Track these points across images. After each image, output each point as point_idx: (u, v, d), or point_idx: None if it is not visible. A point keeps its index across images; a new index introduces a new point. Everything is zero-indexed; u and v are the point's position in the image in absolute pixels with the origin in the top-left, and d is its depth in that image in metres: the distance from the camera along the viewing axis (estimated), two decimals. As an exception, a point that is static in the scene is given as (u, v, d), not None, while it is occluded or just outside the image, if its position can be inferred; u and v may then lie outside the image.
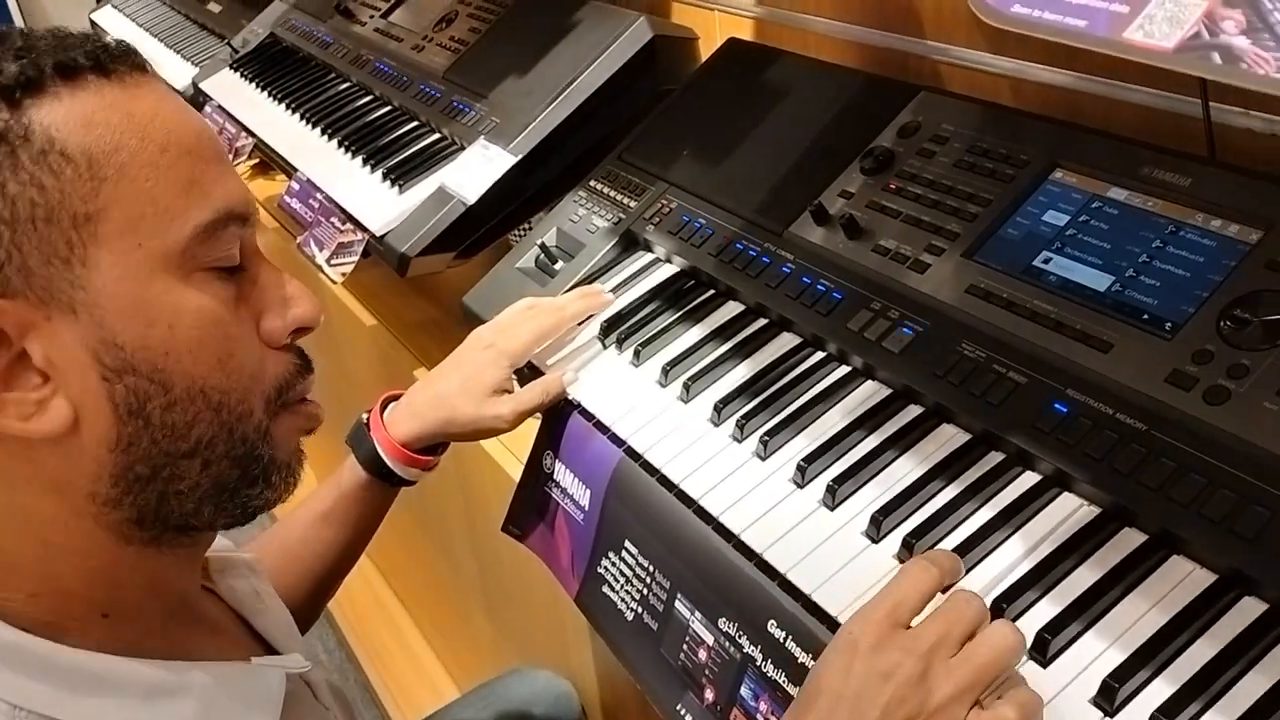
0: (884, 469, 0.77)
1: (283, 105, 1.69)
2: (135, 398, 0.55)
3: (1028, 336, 0.77)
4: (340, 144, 1.50)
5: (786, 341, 0.91)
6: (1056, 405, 0.72)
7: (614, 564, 0.86)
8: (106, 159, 0.53)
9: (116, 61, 0.56)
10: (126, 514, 0.57)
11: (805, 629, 0.69)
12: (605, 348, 0.98)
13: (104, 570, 0.58)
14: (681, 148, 1.13)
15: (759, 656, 0.72)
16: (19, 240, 0.51)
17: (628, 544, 0.85)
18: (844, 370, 0.86)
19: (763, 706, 0.71)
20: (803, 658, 0.69)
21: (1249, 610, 0.60)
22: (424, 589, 1.93)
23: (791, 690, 0.69)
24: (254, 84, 1.81)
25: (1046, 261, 0.81)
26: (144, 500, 0.57)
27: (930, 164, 0.93)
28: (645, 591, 0.83)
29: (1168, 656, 0.59)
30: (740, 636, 0.74)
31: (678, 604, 0.79)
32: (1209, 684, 0.57)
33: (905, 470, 0.76)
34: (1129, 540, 0.66)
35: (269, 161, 1.74)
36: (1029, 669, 0.61)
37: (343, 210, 1.37)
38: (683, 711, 0.77)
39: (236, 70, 1.89)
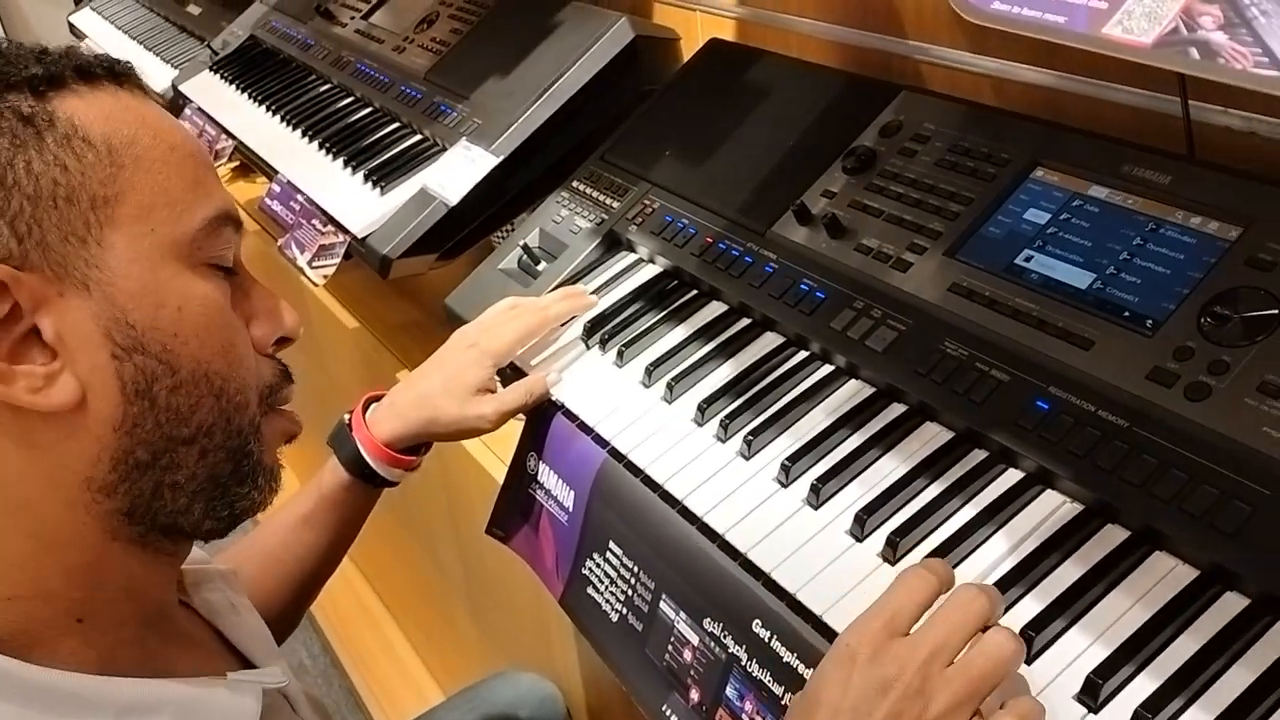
0: (867, 468, 0.77)
1: (263, 107, 1.68)
2: (143, 377, 0.56)
3: (1010, 334, 0.78)
4: (321, 146, 1.49)
5: (770, 341, 0.91)
6: (1039, 403, 0.73)
7: (598, 565, 0.86)
8: (124, 149, 0.57)
9: (125, 77, 0.60)
10: (119, 504, 0.58)
11: (790, 628, 0.69)
12: (588, 348, 0.98)
13: (87, 568, 0.58)
14: (664, 148, 1.13)
15: (744, 656, 0.72)
16: (40, 217, 0.53)
17: (612, 545, 0.85)
18: (827, 369, 0.86)
19: (748, 706, 0.71)
20: (788, 657, 0.69)
21: (1231, 605, 0.61)
22: (408, 592, 1.92)
23: (776, 690, 0.69)
24: (234, 86, 1.80)
25: (1028, 260, 0.82)
26: (139, 489, 0.58)
27: (912, 163, 0.93)
28: (630, 592, 0.83)
29: (1151, 652, 0.60)
30: (725, 636, 0.73)
31: (662, 605, 0.79)
32: (1192, 679, 0.57)
33: (889, 469, 0.76)
34: (1111, 537, 0.67)
35: (250, 164, 1.73)
36: (1013, 666, 0.61)
37: (324, 212, 1.37)
38: (668, 712, 0.77)
39: (216, 72, 1.88)
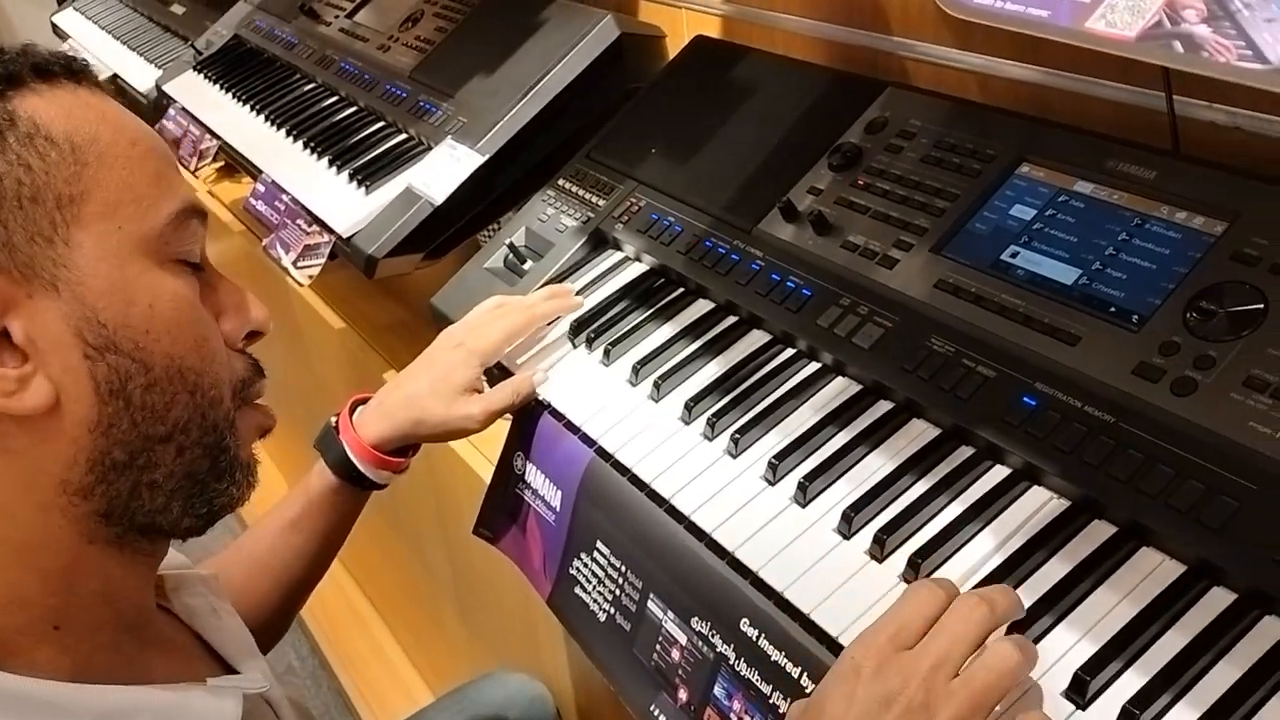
0: (855, 465, 0.76)
1: (247, 107, 1.67)
2: (117, 376, 0.56)
3: (996, 330, 0.78)
4: (306, 145, 1.48)
5: (756, 339, 0.91)
6: (1025, 399, 0.72)
7: (586, 565, 0.86)
8: (87, 146, 0.56)
9: (82, 75, 0.60)
10: (96, 506, 0.57)
11: (778, 627, 0.69)
12: (575, 347, 0.98)
13: (63, 573, 0.57)
14: (650, 146, 1.13)
15: (732, 655, 0.72)
16: (4, 218, 0.53)
17: (599, 544, 0.85)
18: (814, 367, 0.86)
19: (736, 705, 0.71)
20: (776, 656, 0.69)
21: (1218, 600, 0.61)
22: (397, 593, 1.92)
23: (764, 688, 0.69)
24: (218, 86, 1.79)
25: (1014, 256, 0.82)
26: (116, 490, 0.57)
27: (898, 159, 0.93)
28: (617, 592, 0.82)
29: (1139, 648, 0.60)
30: (713, 636, 0.73)
31: (650, 604, 0.79)
32: (1179, 675, 0.57)
33: (876, 466, 0.76)
34: (1098, 532, 0.67)
35: (234, 164, 1.72)
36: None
37: (309, 212, 1.36)
38: (656, 712, 0.77)
39: (200, 72, 1.87)
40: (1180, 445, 0.65)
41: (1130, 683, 0.58)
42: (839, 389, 0.83)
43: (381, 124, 1.45)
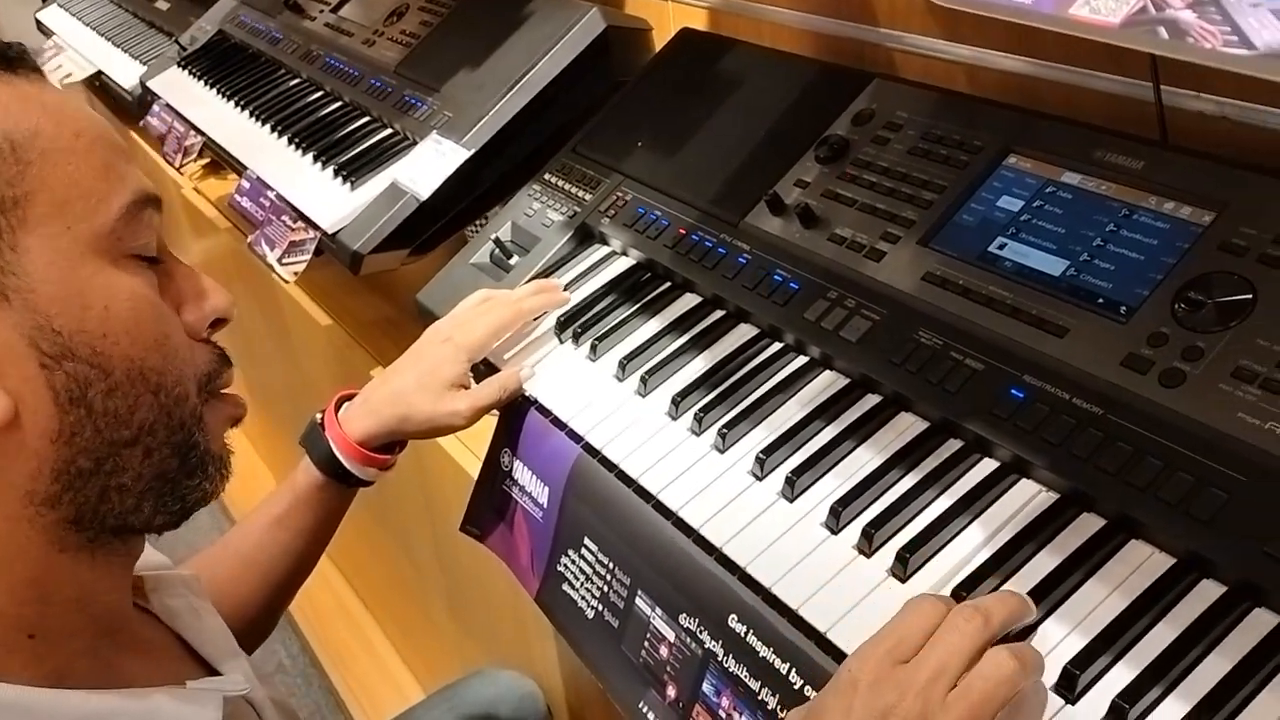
0: (843, 459, 0.76)
1: (232, 102, 1.66)
2: (76, 384, 0.54)
3: (984, 323, 0.77)
4: (290, 141, 1.47)
5: (744, 333, 0.90)
6: (1013, 391, 0.72)
7: (573, 562, 0.85)
8: (28, 143, 0.53)
9: (18, 62, 0.57)
10: (64, 513, 0.56)
11: (766, 623, 0.68)
12: (562, 342, 0.97)
13: (34, 583, 0.56)
14: (636, 139, 1.12)
15: (720, 652, 0.71)
16: None
17: (587, 541, 0.84)
18: (802, 360, 0.86)
19: (725, 702, 0.70)
20: (764, 652, 0.68)
21: (1207, 593, 0.60)
22: (387, 590, 1.91)
23: (753, 685, 0.68)
24: (202, 81, 1.78)
25: (1001, 247, 0.81)
26: (84, 497, 0.56)
27: (885, 151, 0.92)
28: (605, 589, 0.82)
29: (1128, 641, 0.59)
30: (701, 632, 0.73)
31: (638, 601, 0.78)
32: (1169, 668, 0.57)
33: (864, 460, 0.75)
34: (1087, 525, 0.66)
35: (219, 160, 1.71)
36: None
37: (294, 208, 1.35)
38: (645, 709, 0.76)
39: (185, 68, 1.86)
40: (1169, 437, 0.65)
41: (1120, 676, 0.58)
42: (827, 382, 0.83)
43: (366, 119, 1.44)
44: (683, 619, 0.74)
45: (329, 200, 1.31)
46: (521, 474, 0.92)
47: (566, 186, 1.13)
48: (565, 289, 1.02)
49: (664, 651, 0.76)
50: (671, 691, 0.75)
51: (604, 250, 1.07)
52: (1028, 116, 0.88)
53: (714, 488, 0.77)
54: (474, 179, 1.25)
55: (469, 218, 1.32)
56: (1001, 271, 0.80)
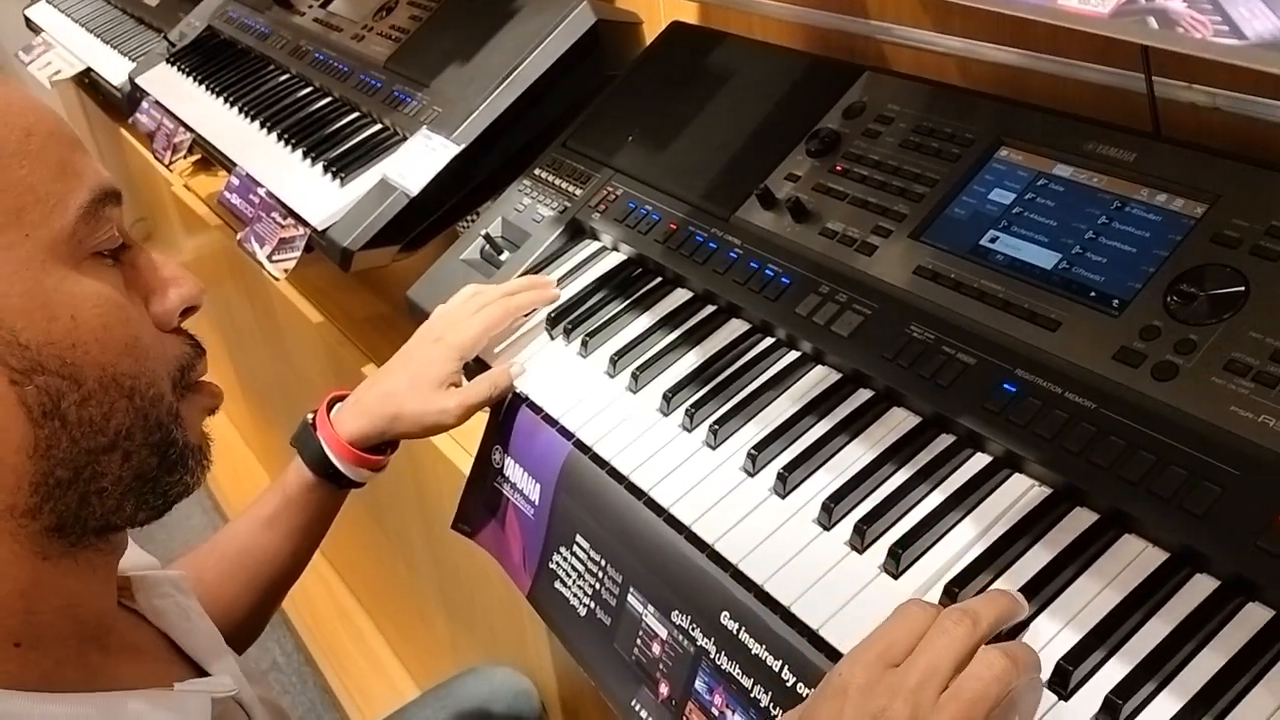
0: (835, 454, 0.75)
1: (221, 99, 1.65)
2: (48, 397, 0.52)
3: (976, 317, 0.77)
4: (280, 137, 1.46)
5: (735, 328, 0.90)
6: (1005, 385, 0.72)
7: (565, 559, 0.85)
8: None
9: None
10: (46, 522, 0.55)
11: (758, 620, 0.68)
12: (552, 338, 0.97)
13: (19, 593, 0.55)
14: (626, 134, 1.11)
15: (712, 649, 0.71)
16: None
17: (579, 538, 0.84)
18: (793, 355, 0.85)
19: (717, 700, 0.70)
20: (756, 649, 0.68)
21: (1201, 587, 0.60)
22: (381, 588, 1.90)
23: (745, 682, 0.68)
24: (191, 78, 1.77)
25: (993, 240, 0.81)
26: (64, 505, 0.55)
27: (876, 145, 0.92)
28: (597, 586, 0.81)
29: (1121, 637, 0.59)
30: (693, 629, 0.72)
31: (630, 598, 0.78)
32: (1163, 663, 0.57)
33: (856, 455, 0.75)
34: (1080, 520, 0.66)
35: (209, 157, 1.70)
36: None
37: (283, 205, 1.34)
38: (637, 707, 0.76)
39: (173, 64, 1.85)
40: (1161, 431, 0.65)
41: (1113, 672, 0.58)
42: (818, 378, 0.82)
43: (356, 115, 1.44)
44: (675, 616, 0.74)
45: (318, 197, 1.31)
46: (513, 471, 0.92)
47: (557, 181, 1.12)
48: (556, 285, 1.01)
49: (656, 649, 0.75)
50: (664, 689, 0.74)
51: (595, 245, 1.06)
52: (1019, 108, 0.88)
53: (705, 484, 0.77)
54: (464, 174, 1.24)
55: (460, 213, 1.31)
56: (993, 265, 0.79)
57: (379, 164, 1.30)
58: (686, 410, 0.82)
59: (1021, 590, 0.62)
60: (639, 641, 0.77)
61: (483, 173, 1.27)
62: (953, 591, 0.63)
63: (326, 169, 1.34)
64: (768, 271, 0.89)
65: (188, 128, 1.67)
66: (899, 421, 0.76)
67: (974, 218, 0.83)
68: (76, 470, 0.55)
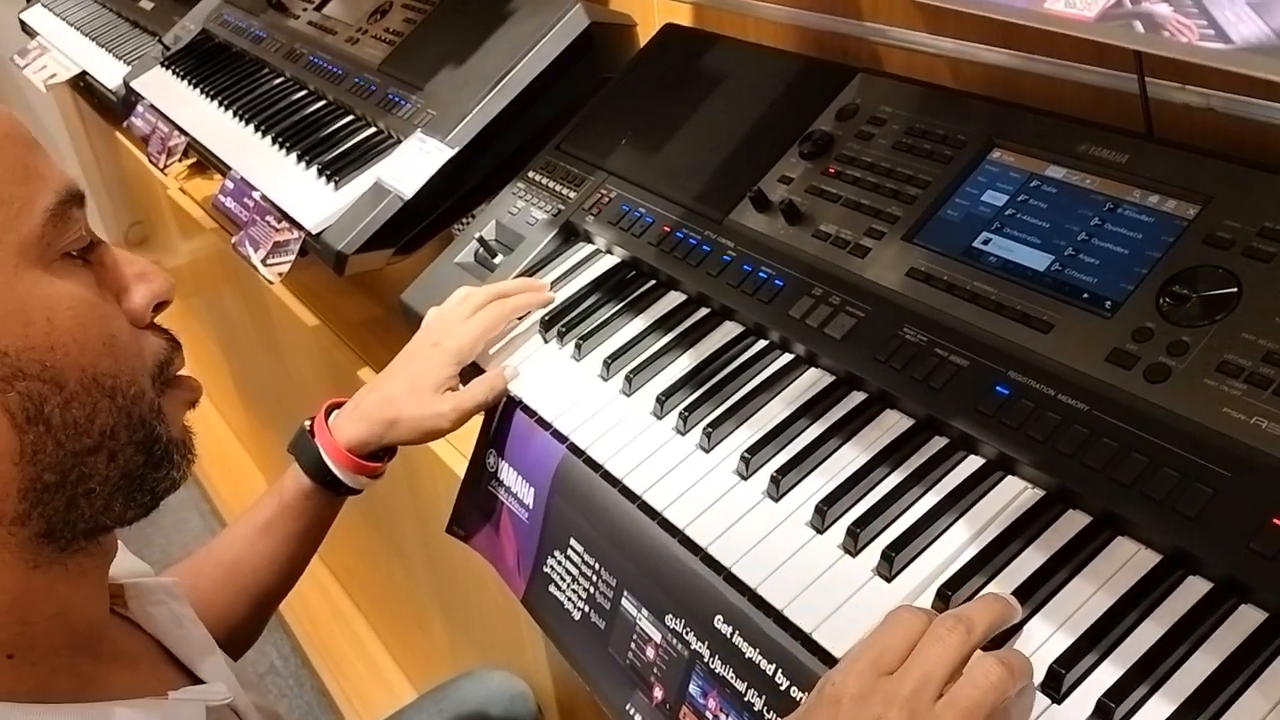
0: (828, 458, 0.75)
1: (215, 102, 1.65)
2: (31, 402, 0.52)
3: (969, 319, 0.77)
4: (274, 140, 1.46)
5: (729, 331, 0.90)
6: (998, 388, 0.72)
7: (560, 563, 0.85)
8: None
9: None
10: (35, 528, 0.55)
11: (752, 624, 0.68)
12: (546, 341, 0.96)
13: (11, 603, 0.55)
14: (620, 136, 1.11)
15: (706, 653, 0.71)
16: None
17: (573, 542, 0.83)
18: (786, 358, 0.85)
19: (711, 703, 0.70)
20: (750, 653, 0.68)
21: (1194, 590, 0.60)
22: (378, 592, 1.90)
23: (739, 686, 0.68)
24: (186, 81, 1.77)
25: (986, 242, 0.81)
26: (53, 509, 0.55)
27: (869, 146, 0.92)
28: (592, 590, 0.81)
29: (1114, 639, 0.59)
30: (687, 633, 0.72)
31: (624, 602, 0.78)
32: (1156, 665, 0.57)
33: (849, 458, 0.75)
34: (1073, 522, 0.66)
35: (204, 160, 1.70)
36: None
37: (278, 208, 1.34)
38: (632, 711, 0.76)
39: (168, 68, 1.84)
40: (1154, 433, 0.64)
41: (1106, 675, 0.58)
42: (811, 380, 0.82)
43: (350, 118, 1.44)
44: (669, 620, 0.74)
45: (313, 200, 1.30)
46: (507, 475, 0.92)
47: (550, 184, 1.12)
48: (550, 288, 1.01)
49: (650, 653, 0.75)
50: (658, 693, 0.74)
51: (588, 248, 1.06)
52: (1012, 110, 0.88)
53: (699, 487, 0.77)
54: (458, 177, 1.24)
55: (454, 216, 1.31)
56: (986, 267, 0.79)
57: (373, 167, 1.30)
58: (680, 413, 0.82)
59: (1014, 593, 0.62)
60: (633, 645, 0.77)
61: (477, 176, 1.26)
62: (946, 594, 0.63)
63: (321, 172, 1.33)
64: (761, 274, 0.89)
65: (182, 131, 1.66)
66: (892, 424, 0.76)
67: (967, 220, 0.83)
68: (64, 473, 0.54)
